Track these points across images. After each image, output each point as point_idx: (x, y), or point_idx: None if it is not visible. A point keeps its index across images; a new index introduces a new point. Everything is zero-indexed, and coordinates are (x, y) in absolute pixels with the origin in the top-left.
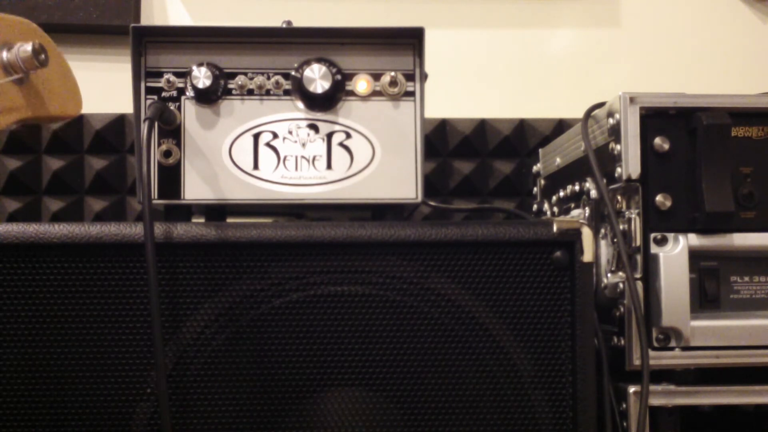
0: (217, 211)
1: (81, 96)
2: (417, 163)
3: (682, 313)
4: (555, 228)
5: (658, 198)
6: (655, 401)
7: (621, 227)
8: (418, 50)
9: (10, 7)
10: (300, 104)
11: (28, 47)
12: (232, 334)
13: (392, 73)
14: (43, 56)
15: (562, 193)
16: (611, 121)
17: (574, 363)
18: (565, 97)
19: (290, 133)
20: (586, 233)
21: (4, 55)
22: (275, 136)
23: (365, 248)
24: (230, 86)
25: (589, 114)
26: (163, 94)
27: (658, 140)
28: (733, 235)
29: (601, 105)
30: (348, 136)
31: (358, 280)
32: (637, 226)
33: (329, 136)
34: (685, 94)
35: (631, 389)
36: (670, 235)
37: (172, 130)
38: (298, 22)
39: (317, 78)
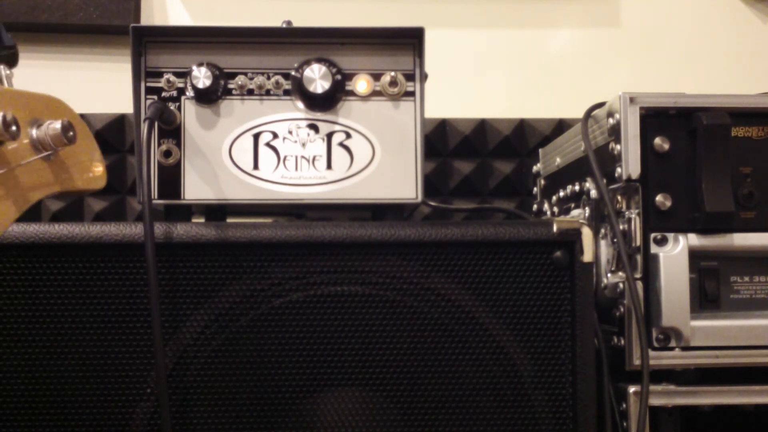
0: (217, 211)
1: (105, 167)
2: (417, 163)
3: (682, 313)
4: (555, 228)
5: (658, 198)
6: (655, 401)
7: (621, 227)
8: (418, 50)
9: (11, 6)
10: (300, 104)
11: (58, 125)
12: (232, 334)
13: (392, 73)
14: (71, 133)
15: (562, 193)
16: (611, 121)
17: (574, 363)
18: (565, 97)
19: (290, 133)
20: (586, 233)
21: (34, 132)
22: (275, 136)
23: (365, 248)
24: (230, 86)
25: (589, 114)
26: (163, 94)
27: (658, 140)
28: (733, 235)
29: (601, 105)
30: (348, 136)
31: (358, 280)
32: (637, 226)
33: (329, 136)
34: (685, 94)
35: (631, 389)
36: (670, 235)
37: (172, 130)
38: (298, 22)
39: (317, 78)
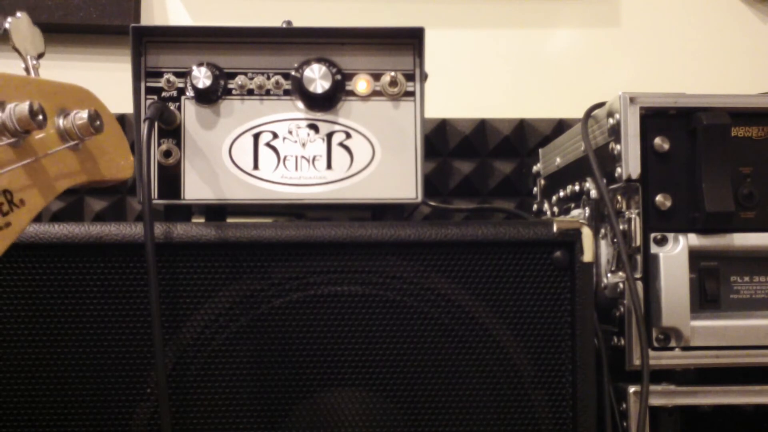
0: (217, 211)
1: (132, 157)
2: (417, 163)
3: (682, 313)
4: (555, 228)
5: (658, 198)
6: (655, 401)
7: (621, 227)
8: (418, 50)
9: (11, 7)
10: (300, 104)
11: (84, 114)
12: (232, 334)
13: (392, 73)
14: (98, 122)
15: (562, 193)
16: (611, 121)
17: (574, 363)
18: (565, 97)
19: (290, 133)
20: (586, 233)
21: (61, 122)
22: (275, 136)
23: (365, 248)
24: (230, 86)
25: (589, 114)
26: (163, 94)
27: (658, 140)
28: (733, 235)
29: (601, 105)
30: (348, 136)
31: (358, 280)
32: (637, 226)
33: (329, 136)
34: (685, 94)
35: (631, 389)
36: (670, 235)
37: (172, 130)
38: (298, 22)
39: (317, 78)
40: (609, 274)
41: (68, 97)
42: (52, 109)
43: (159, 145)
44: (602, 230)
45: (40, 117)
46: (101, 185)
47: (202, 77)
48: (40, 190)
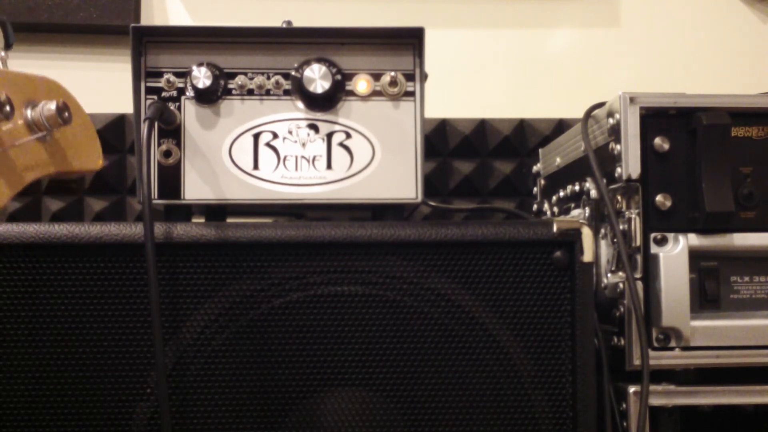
0: (217, 211)
1: (101, 149)
2: (417, 163)
3: (682, 313)
4: (555, 228)
5: (658, 198)
6: (655, 401)
7: (621, 227)
8: (418, 50)
9: (11, 7)
10: (300, 104)
11: (52, 106)
12: (232, 334)
13: (392, 73)
14: (66, 114)
15: (562, 193)
16: (611, 121)
17: (574, 363)
18: (565, 97)
19: (290, 133)
20: (586, 233)
21: (29, 113)
22: (275, 136)
23: (365, 248)
24: (230, 86)
25: (589, 114)
26: (163, 94)
27: (658, 140)
28: (733, 235)
29: (601, 105)
30: (348, 136)
31: (358, 280)
32: (637, 226)
33: (329, 136)
34: (685, 94)
35: (631, 389)
36: (670, 235)
37: (172, 130)
38: (298, 22)
39: (317, 78)
40: (609, 274)
41: (37, 88)
42: (21, 100)
43: (159, 145)
44: (602, 230)
45: (8, 108)
46: (71, 176)
47: (202, 77)
48: (7, 180)
